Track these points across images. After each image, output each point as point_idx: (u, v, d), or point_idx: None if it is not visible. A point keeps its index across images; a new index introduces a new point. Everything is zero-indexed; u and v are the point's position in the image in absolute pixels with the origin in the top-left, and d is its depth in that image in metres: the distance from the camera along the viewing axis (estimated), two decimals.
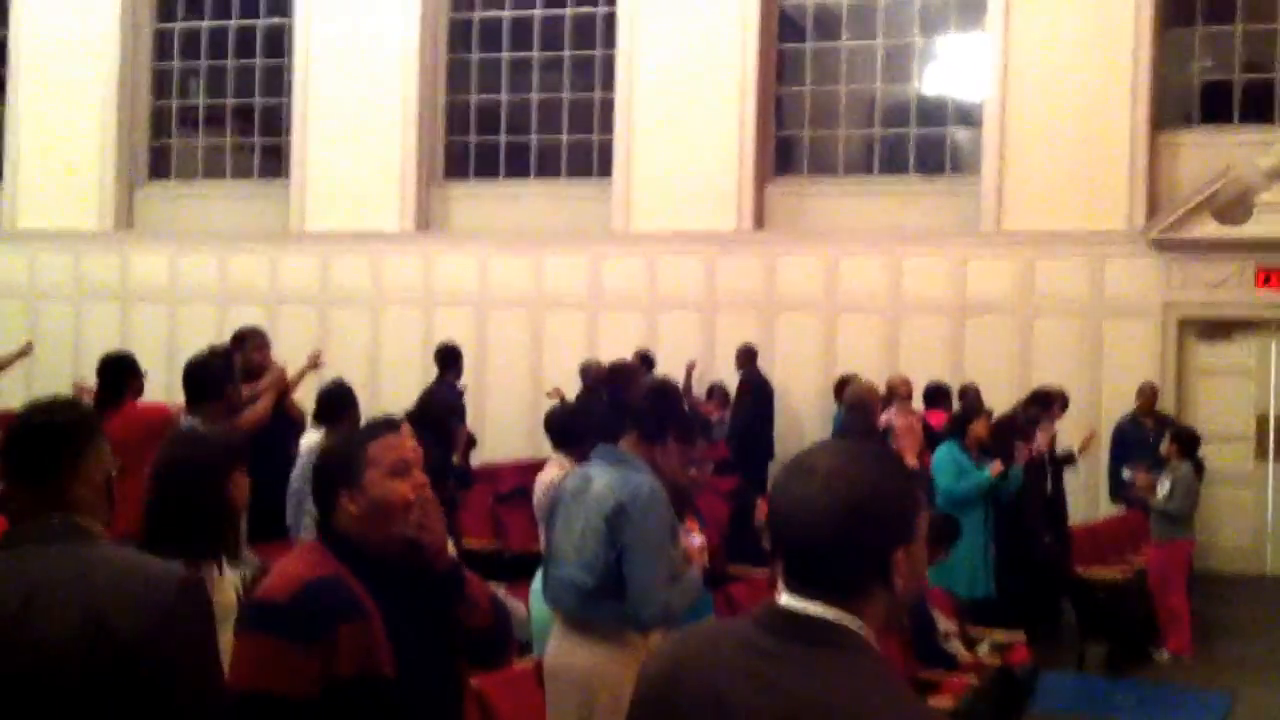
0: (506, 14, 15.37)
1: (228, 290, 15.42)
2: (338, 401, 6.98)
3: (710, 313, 13.94)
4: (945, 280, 13.49)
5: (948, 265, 13.51)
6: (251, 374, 7.31)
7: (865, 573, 1.81)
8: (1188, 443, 9.30)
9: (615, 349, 12.49)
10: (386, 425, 3.01)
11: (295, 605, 2.75)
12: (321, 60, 15.42)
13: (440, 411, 7.19)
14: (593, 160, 15.02)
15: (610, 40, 14.75)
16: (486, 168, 15.52)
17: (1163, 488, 9.00)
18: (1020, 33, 13.34)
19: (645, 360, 12.21)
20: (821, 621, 1.80)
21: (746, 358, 13.22)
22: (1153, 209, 13.00)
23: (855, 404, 7.96)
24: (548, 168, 15.34)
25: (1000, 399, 10.66)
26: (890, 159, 14.29)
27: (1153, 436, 10.42)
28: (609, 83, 14.76)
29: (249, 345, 7.66)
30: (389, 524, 2.86)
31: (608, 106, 14.78)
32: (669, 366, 12.12)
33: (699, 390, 13.14)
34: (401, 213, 15.19)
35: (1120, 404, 11.79)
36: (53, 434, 2.49)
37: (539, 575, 4.79)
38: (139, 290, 15.86)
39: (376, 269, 15.13)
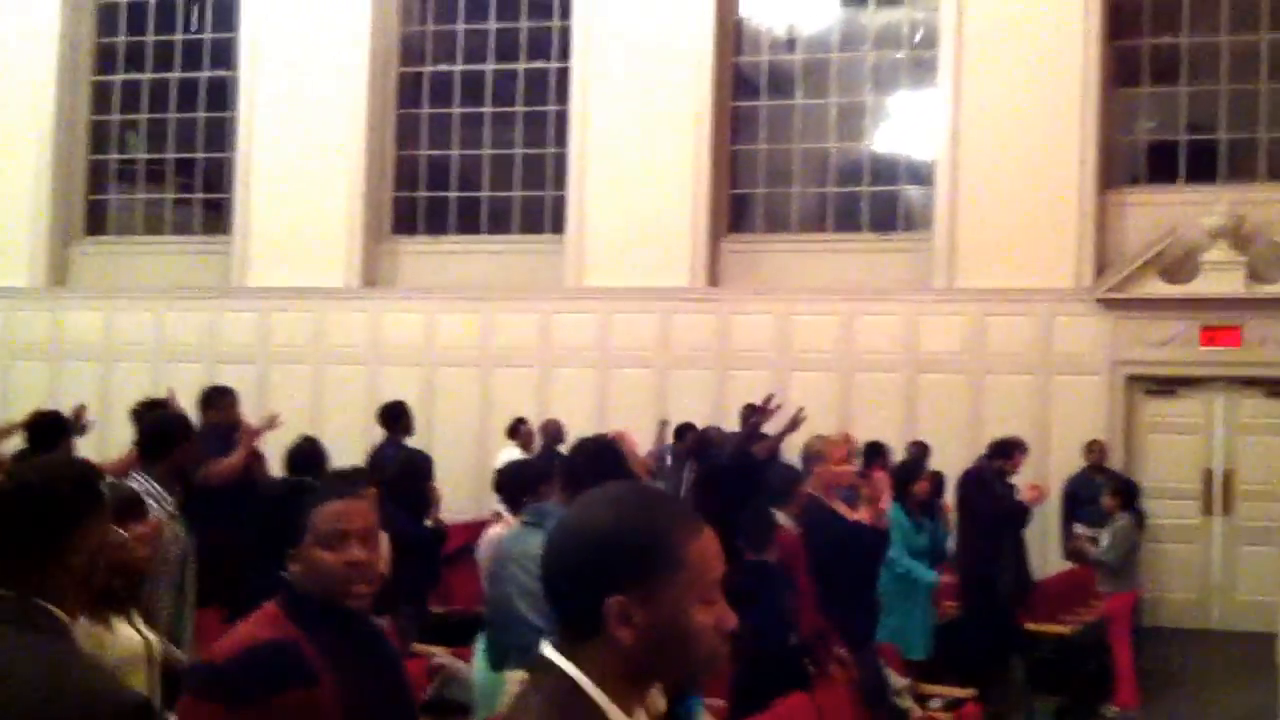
0: (458, 69, 15.41)
1: (165, 347, 15.21)
2: (307, 458, 6.91)
3: (663, 369, 13.94)
4: (897, 336, 13.58)
5: (900, 322, 13.60)
6: (224, 434, 7.27)
7: (577, 618, 1.73)
8: (1127, 494, 9.38)
9: (566, 406, 12.46)
10: (339, 490, 2.98)
11: (233, 670, 2.70)
12: (267, 114, 15.33)
13: (416, 475, 7.16)
14: (545, 216, 15.03)
15: (563, 96, 14.82)
16: (436, 223, 15.48)
17: (1103, 540, 9.06)
18: (971, 92, 13.51)
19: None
20: (548, 664, 1.74)
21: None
22: (1100, 267, 13.16)
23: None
24: (499, 224, 15.34)
25: (951, 455, 10.71)
26: (843, 216, 14.40)
27: (1102, 492, 10.49)
28: (562, 139, 14.81)
29: (223, 404, 7.65)
30: (326, 591, 2.82)
31: (561, 162, 14.82)
32: (624, 423, 12.07)
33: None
34: (347, 268, 15.10)
35: (1070, 460, 11.87)
36: (39, 503, 2.22)
37: (482, 637, 4.74)
38: (71, 348, 15.59)
39: (320, 326, 15.00)
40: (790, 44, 14.63)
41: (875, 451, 10.89)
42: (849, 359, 13.65)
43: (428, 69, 15.56)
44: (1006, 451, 9.71)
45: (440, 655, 6.72)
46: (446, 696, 6.28)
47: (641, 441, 11.81)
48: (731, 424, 13.41)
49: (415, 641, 7.07)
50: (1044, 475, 11.68)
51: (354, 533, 2.86)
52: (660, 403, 13.66)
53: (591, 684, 1.71)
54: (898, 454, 10.99)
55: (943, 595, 8.57)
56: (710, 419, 13.29)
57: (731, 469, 8.35)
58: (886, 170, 14.33)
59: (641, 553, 1.72)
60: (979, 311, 13.33)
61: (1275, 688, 8.71)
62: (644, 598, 1.70)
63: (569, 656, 1.73)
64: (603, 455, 4.93)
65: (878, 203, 14.29)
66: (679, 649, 1.73)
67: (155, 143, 16.42)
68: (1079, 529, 9.70)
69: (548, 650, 1.76)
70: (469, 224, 15.41)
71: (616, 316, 14.12)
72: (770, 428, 9.37)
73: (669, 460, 12.20)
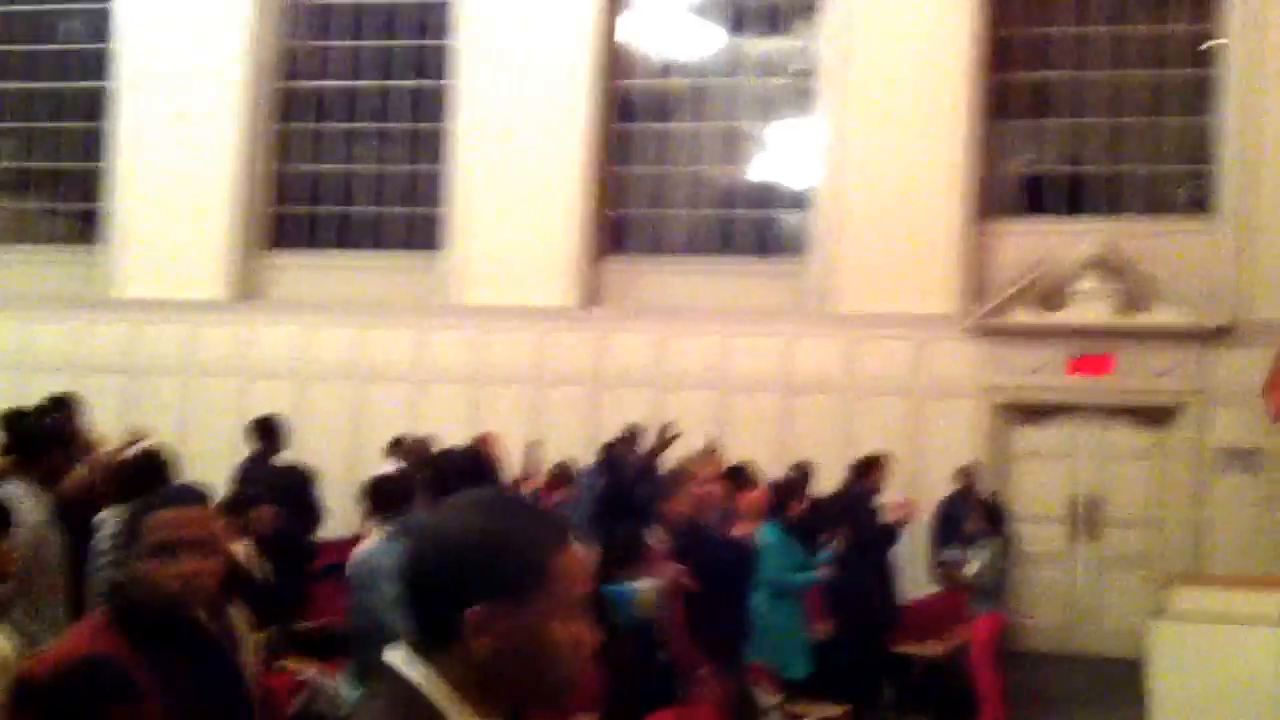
0: (338, 84, 15.22)
1: (30, 358, 14.70)
2: (144, 474, 6.61)
3: (539, 388, 13.82)
4: (774, 359, 13.65)
5: (777, 345, 13.67)
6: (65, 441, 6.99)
7: (433, 626, 1.68)
8: (994, 518, 9.49)
9: (440, 424, 12.29)
10: (171, 499, 2.87)
11: (51, 685, 2.58)
12: (143, 124, 15.02)
13: (300, 485, 6.95)
14: (423, 233, 14.86)
15: (445, 113, 14.68)
16: (313, 238, 15.25)
17: (971, 563, 9.14)
18: (850, 121, 13.67)
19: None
20: (390, 671, 1.68)
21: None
22: (974, 295, 13.35)
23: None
24: (377, 240, 15.13)
25: (826, 477, 10.73)
26: (722, 239, 14.46)
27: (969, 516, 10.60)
28: (442, 156, 14.67)
29: (61, 413, 7.41)
30: (157, 603, 2.70)
31: (440, 179, 14.69)
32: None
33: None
34: (221, 282, 14.79)
35: (942, 484, 11.96)
36: None
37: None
38: None
39: (191, 339, 14.66)
40: (672, 69, 14.68)
41: (736, 474, 10.86)
42: (725, 381, 13.68)
43: (307, 84, 15.33)
44: (866, 471, 9.76)
45: (308, 670, 6.58)
46: (313, 711, 6.16)
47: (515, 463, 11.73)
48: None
49: (283, 656, 6.88)
50: (916, 499, 11.78)
51: (186, 543, 2.75)
52: (535, 422, 13.53)
53: (437, 693, 1.65)
54: (775, 476, 10.96)
55: (815, 616, 8.56)
56: (586, 439, 13.23)
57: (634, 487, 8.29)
58: (766, 195, 14.43)
59: (506, 564, 1.66)
60: (854, 336, 13.45)
61: (1140, 713, 8.86)
62: (505, 610, 1.65)
63: (421, 667, 1.67)
64: (470, 463, 4.81)
65: (757, 227, 14.38)
66: (536, 665, 1.67)
67: (24, 152, 15.97)
68: (947, 552, 9.78)
69: (392, 656, 1.70)
70: (346, 240, 15.21)
71: (493, 335, 13.99)
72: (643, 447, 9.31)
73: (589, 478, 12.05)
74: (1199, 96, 13.52)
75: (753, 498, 8.33)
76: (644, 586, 5.76)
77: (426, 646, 1.68)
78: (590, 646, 1.71)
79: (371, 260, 14.94)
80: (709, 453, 10.43)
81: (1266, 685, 8.53)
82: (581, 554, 1.72)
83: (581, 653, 1.70)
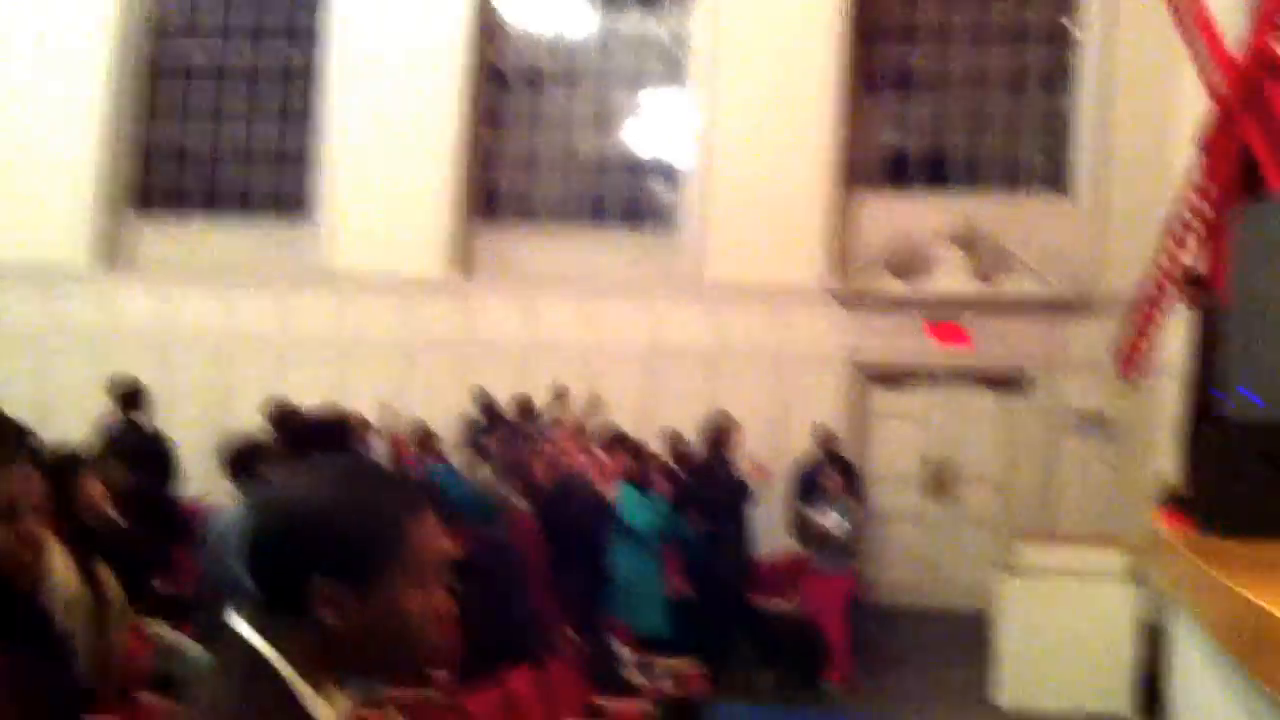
0: (209, 47, 14.97)
1: None
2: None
3: (408, 355, 13.78)
4: (643, 327, 13.81)
5: (645, 313, 13.84)
6: None
7: (279, 594, 1.61)
8: (850, 478, 9.74)
9: (305, 390, 12.19)
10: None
11: None
12: (2, 85, 14.61)
13: (160, 447, 6.82)
14: (293, 199, 14.72)
15: (316, 80, 14.54)
16: (180, 203, 15.02)
17: (825, 521, 9.38)
18: (721, 95, 13.87)
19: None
20: (237, 639, 1.63)
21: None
22: (838, 265, 13.64)
23: None
24: (246, 205, 14.95)
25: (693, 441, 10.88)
26: (594, 210, 14.57)
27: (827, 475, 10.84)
28: (314, 122, 14.53)
29: None
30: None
31: (311, 146, 14.57)
32: (365, 410, 11.88)
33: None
34: (85, 247, 14.49)
35: (804, 445, 12.24)
36: None
37: None
38: None
39: (53, 305, 14.35)
40: (547, 41, 14.71)
41: (618, 440, 11.00)
42: (594, 348, 13.82)
43: (177, 47, 15.05)
44: (717, 431, 9.89)
45: (163, 630, 6.52)
46: (168, 671, 6.11)
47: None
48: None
49: (140, 616, 6.81)
50: (780, 461, 12.03)
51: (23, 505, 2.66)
52: (403, 388, 13.51)
53: (284, 662, 1.60)
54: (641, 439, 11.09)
55: (672, 574, 8.72)
56: (454, 406, 13.26)
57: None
58: (637, 167, 14.57)
59: (357, 535, 1.61)
60: (721, 305, 13.68)
61: (986, 665, 9.20)
62: (356, 580, 1.60)
63: (265, 633, 1.62)
64: (329, 427, 4.80)
65: (627, 198, 14.51)
66: (388, 637, 1.63)
67: None
68: (804, 510, 10.01)
69: (237, 624, 1.64)
70: (214, 205, 15.00)
71: (362, 301, 13.93)
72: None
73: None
74: (1056, 79, 13.95)
75: (612, 457, 8.45)
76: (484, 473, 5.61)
77: (272, 614, 1.62)
78: (447, 615, 1.67)
79: (240, 226, 14.76)
80: (571, 409, 10.53)
81: (1108, 637, 8.92)
82: (436, 521, 1.67)
83: (436, 622, 1.65)
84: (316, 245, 14.30)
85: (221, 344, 14.15)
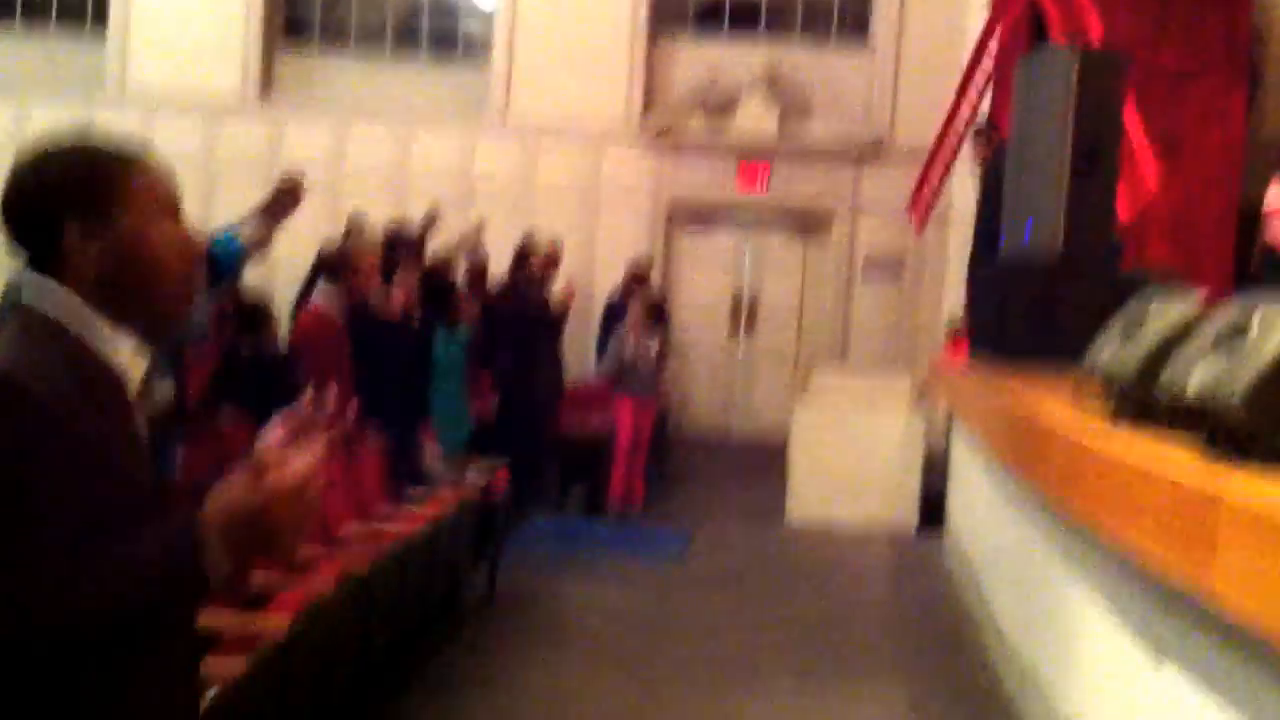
0: None
1: None
2: None
3: (208, 179, 13.44)
4: (453, 161, 13.77)
5: (455, 147, 13.79)
6: None
7: (38, 249, 1.78)
8: (655, 312, 10.02)
9: None
10: None
11: None
12: None
13: None
14: (87, 9, 14.05)
15: None
16: None
17: (631, 350, 9.69)
18: None
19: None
20: (18, 306, 1.78)
21: None
22: (648, 106, 13.80)
23: None
24: (34, 13, 14.21)
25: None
26: (403, 38, 14.31)
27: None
28: None
29: None
30: None
31: None
32: None
33: None
34: None
35: (613, 284, 12.47)
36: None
37: None
38: None
39: None
40: None
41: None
42: (402, 180, 13.73)
43: None
44: (524, 258, 10.02)
45: None
46: None
47: None
48: (280, 238, 13.23)
49: None
50: (589, 298, 12.29)
51: None
52: (202, 214, 13.20)
53: (58, 310, 1.75)
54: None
55: (484, 394, 8.88)
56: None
57: None
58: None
59: (88, 171, 1.78)
60: (533, 140, 13.72)
61: (783, 488, 9.74)
62: (99, 215, 1.77)
63: (41, 292, 1.76)
64: None
65: (439, 28, 14.29)
66: (143, 269, 1.80)
67: None
68: (612, 338, 10.26)
69: (16, 279, 1.80)
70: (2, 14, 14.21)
71: (159, 120, 13.46)
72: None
73: None
74: None
75: (408, 278, 8.37)
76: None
77: (42, 273, 1.77)
78: (191, 246, 1.86)
79: (29, 37, 14.06)
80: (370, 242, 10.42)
81: (894, 459, 9.55)
82: (159, 167, 1.86)
83: (184, 252, 1.83)
84: (111, 60, 13.73)
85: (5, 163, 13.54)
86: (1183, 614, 3.33)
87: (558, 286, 9.83)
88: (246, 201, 13.61)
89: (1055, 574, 4.88)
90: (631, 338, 9.73)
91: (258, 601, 4.10)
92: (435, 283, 8.55)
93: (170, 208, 1.86)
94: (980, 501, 7.21)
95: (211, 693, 3.26)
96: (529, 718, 5.26)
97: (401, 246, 8.82)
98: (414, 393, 7.21)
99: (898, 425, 9.65)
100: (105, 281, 1.77)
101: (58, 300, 1.75)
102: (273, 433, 1.93)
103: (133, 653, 1.70)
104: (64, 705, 1.66)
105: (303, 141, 13.69)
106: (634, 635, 6.53)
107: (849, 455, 9.58)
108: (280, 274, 13.30)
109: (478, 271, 9.60)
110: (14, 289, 1.81)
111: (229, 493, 1.67)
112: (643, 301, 9.98)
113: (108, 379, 1.76)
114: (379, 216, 12.85)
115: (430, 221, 9.78)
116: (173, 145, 13.39)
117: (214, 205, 13.27)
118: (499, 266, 10.28)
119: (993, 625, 6.19)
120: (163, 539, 1.66)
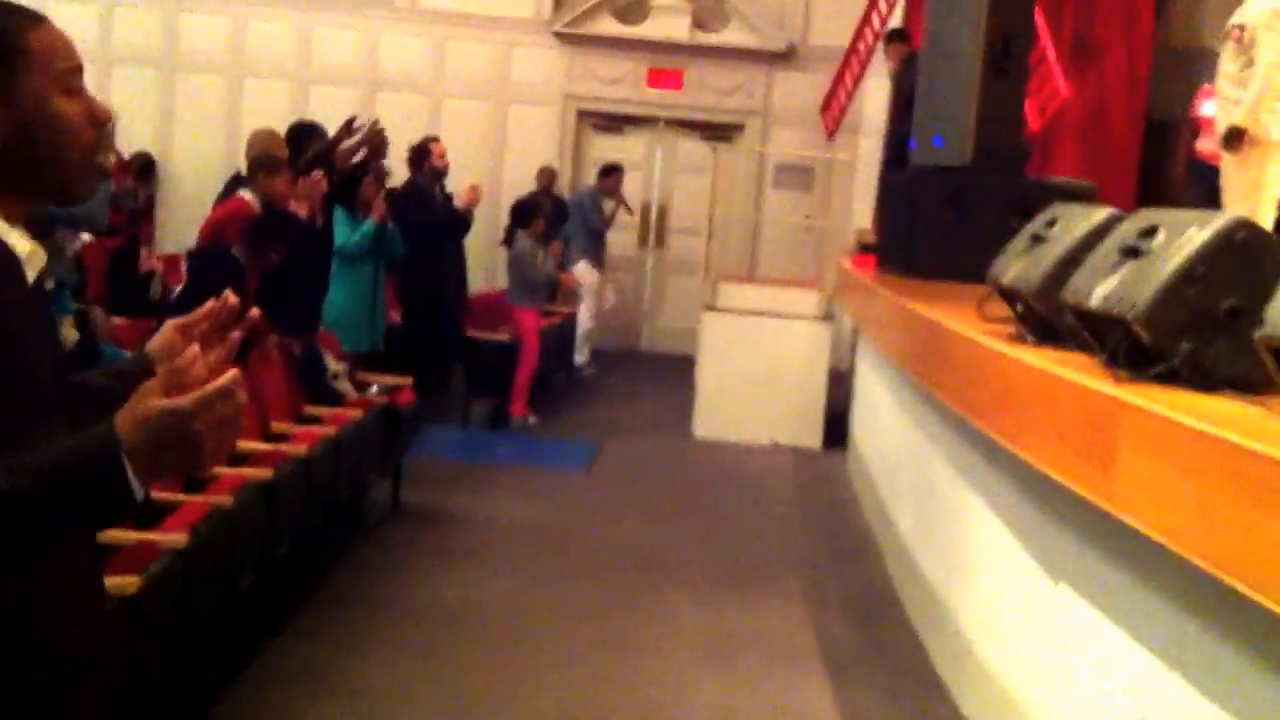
0: None
1: None
2: None
3: (102, 68, 12.93)
4: (357, 52, 13.43)
5: (359, 37, 13.45)
6: None
7: None
8: (560, 217, 9.83)
9: None
10: None
11: None
12: None
13: None
14: None
15: None
16: None
17: (535, 258, 9.55)
18: None
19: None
20: None
21: None
22: (559, 3, 13.51)
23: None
24: None
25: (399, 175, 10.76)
26: None
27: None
28: None
29: None
30: None
31: None
32: None
33: None
34: None
35: (521, 186, 12.26)
36: None
37: None
38: None
39: None
40: None
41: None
42: (305, 71, 13.38)
43: None
44: (421, 157, 9.65)
45: None
46: None
47: None
48: (177, 130, 12.93)
49: None
50: (497, 198, 12.07)
51: None
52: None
53: None
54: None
55: (389, 301, 8.70)
56: (155, 129, 12.68)
57: None
58: None
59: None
60: (439, 33, 13.40)
61: (691, 397, 9.72)
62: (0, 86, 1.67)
63: None
64: None
65: None
66: (47, 141, 1.70)
67: None
68: (516, 245, 10.08)
69: None
70: None
71: (51, 6, 12.90)
72: None
73: None
74: None
75: (316, 178, 8.15)
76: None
77: None
78: (97, 116, 1.75)
79: None
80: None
81: (802, 373, 9.53)
82: (60, 31, 1.73)
83: (90, 124, 1.74)
84: None
85: None
86: (1080, 530, 3.35)
87: (464, 186, 9.61)
88: (144, 94, 13.33)
89: (955, 490, 4.90)
90: (539, 256, 9.63)
91: (156, 515, 4.00)
92: (343, 172, 8.34)
93: (73, 71, 1.73)
94: (884, 416, 7.23)
95: (112, 605, 3.19)
96: (434, 628, 5.21)
97: (310, 149, 8.57)
98: (315, 301, 7.04)
99: (806, 339, 9.60)
100: (7, 148, 1.67)
101: None
102: (166, 334, 1.82)
103: (35, 562, 1.61)
104: None
105: (199, 30, 13.27)
106: (539, 547, 6.49)
107: (756, 368, 9.54)
108: (187, 168, 13.04)
109: (380, 174, 9.34)
110: None
111: (144, 403, 1.52)
112: (551, 208, 9.84)
113: (4, 257, 1.66)
114: (279, 110, 12.61)
115: (347, 131, 9.45)
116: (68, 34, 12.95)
117: (109, 96, 12.85)
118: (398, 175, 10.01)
119: (893, 537, 6.24)
120: (79, 454, 1.52)
